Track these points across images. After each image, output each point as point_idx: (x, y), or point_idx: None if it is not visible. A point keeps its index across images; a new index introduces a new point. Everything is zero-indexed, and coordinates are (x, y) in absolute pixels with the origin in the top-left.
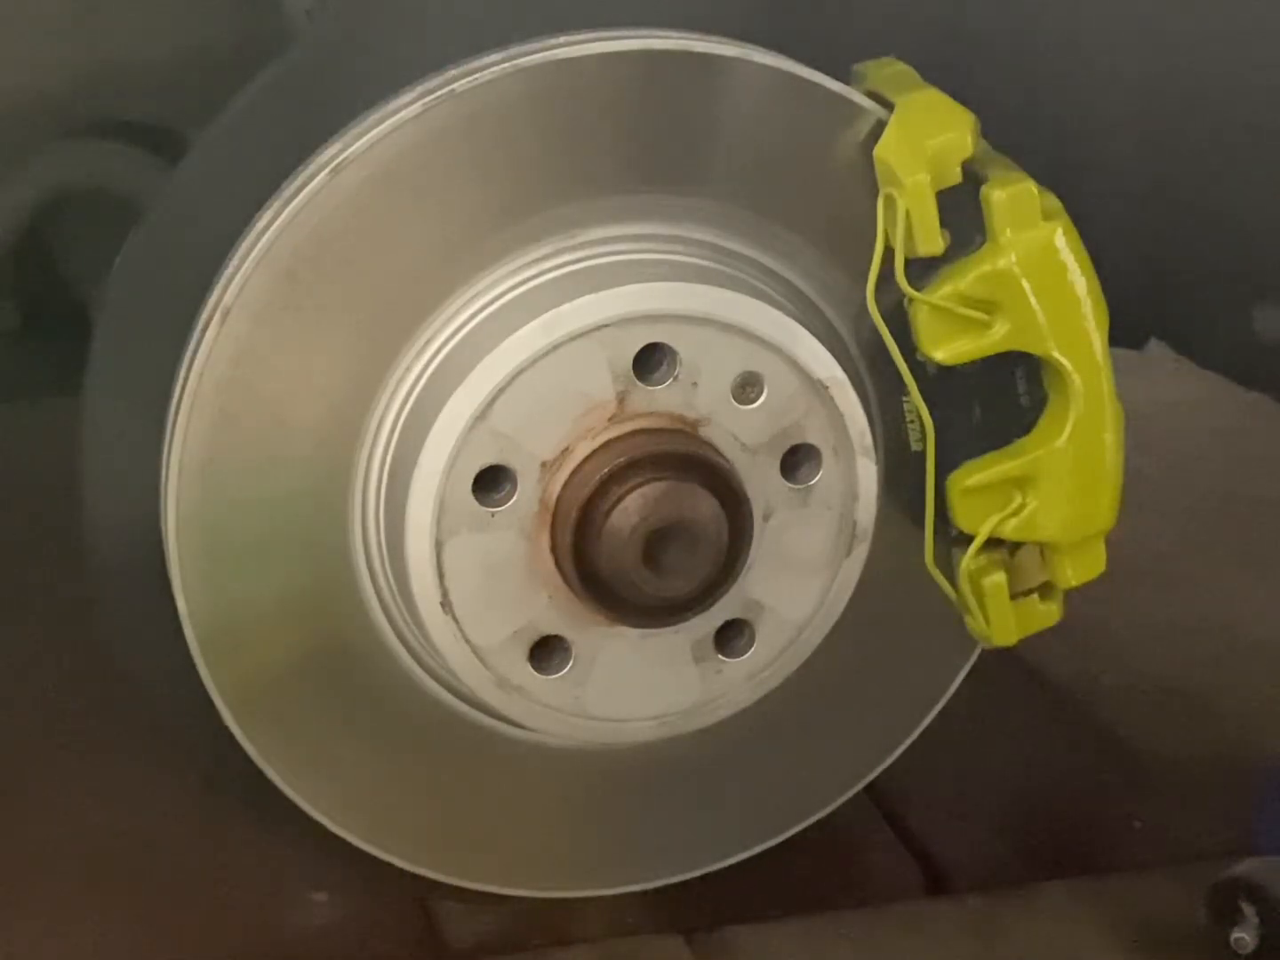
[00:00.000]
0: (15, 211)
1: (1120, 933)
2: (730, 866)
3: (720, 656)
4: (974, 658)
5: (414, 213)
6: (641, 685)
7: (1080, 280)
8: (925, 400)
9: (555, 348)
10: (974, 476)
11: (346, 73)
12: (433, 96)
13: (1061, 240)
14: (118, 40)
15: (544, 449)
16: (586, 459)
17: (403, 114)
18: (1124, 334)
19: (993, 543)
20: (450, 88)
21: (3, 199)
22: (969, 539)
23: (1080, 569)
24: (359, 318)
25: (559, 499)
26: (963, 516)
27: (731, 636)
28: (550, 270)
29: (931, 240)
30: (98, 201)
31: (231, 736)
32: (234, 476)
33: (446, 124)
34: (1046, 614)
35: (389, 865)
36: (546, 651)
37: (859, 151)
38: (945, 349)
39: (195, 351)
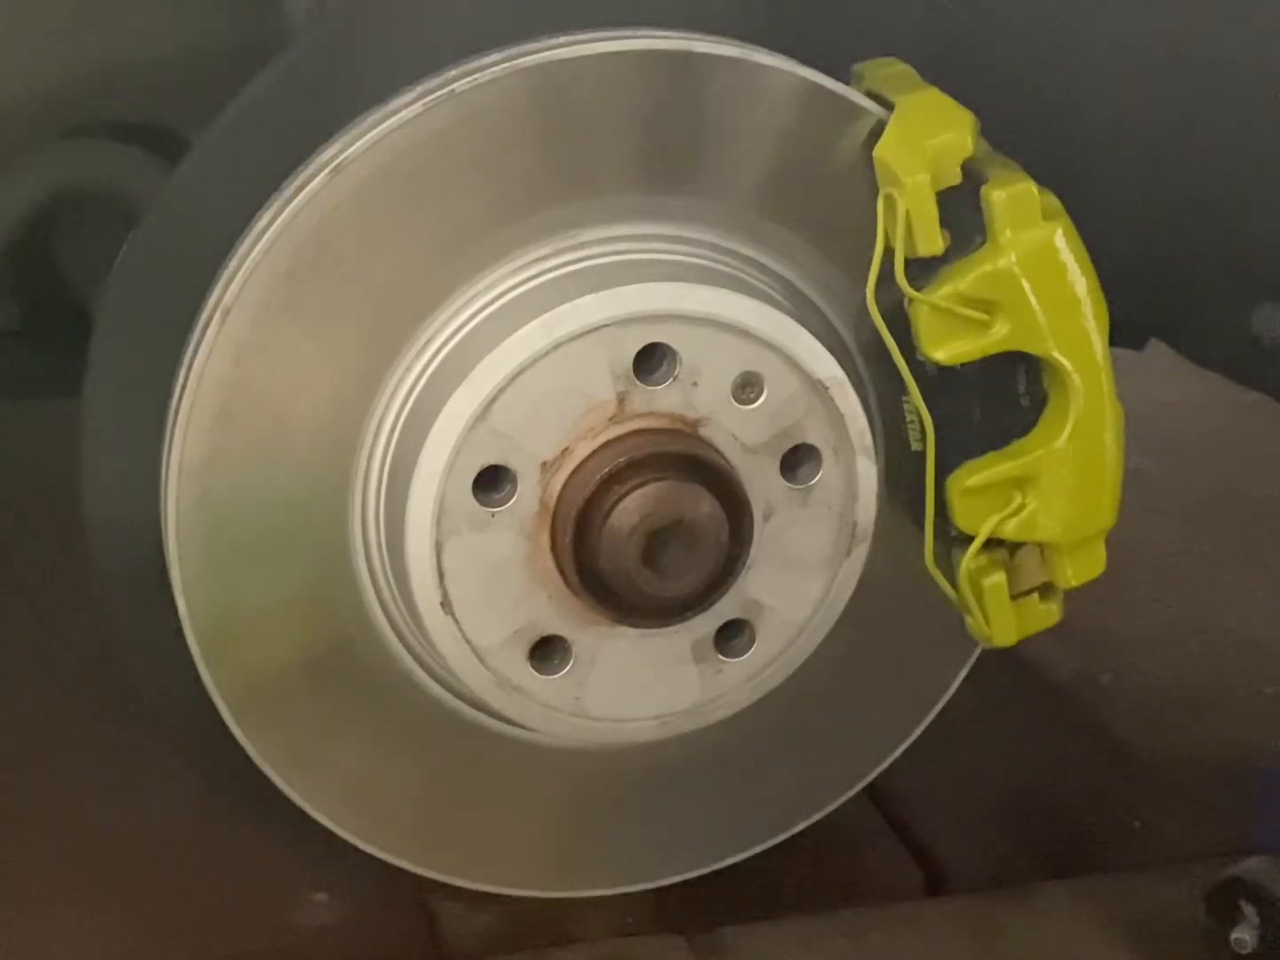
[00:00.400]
0: (15, 211)
1: (1120, 933)
2: (730, 866)
3: (720, 656)
4: (974, 658)
5: (414, 213)
6: (641, 685)
7: (1080, 280)
8: (925, 400)
9: (555, 348)
10: (974, 476)
11: (346, 73)
12: (433, 96)
13: (1061, 240)
14: (117, 40)
15: (544, 449)
16: (587, 459)
17: (403, 114)
18: (1124, 334)
19: (993, 543)
20: (450, 88)
21: (3, 199)
22: (969, 539)
23: (1080, 569)
24: (359, 317)
25: (559, 499)
26: (963, 516)
27: (731, 636)
28: (550, 270)
29: (931, 240)
30: (98, 201)
31: (231, 736)
32: (234, 476)
33: (446, 124)
34: (1046, 614)
35: (389, 865)
36: (546, 651)
37: (859, 151)
38: (945, 349)
39: (195, 351)
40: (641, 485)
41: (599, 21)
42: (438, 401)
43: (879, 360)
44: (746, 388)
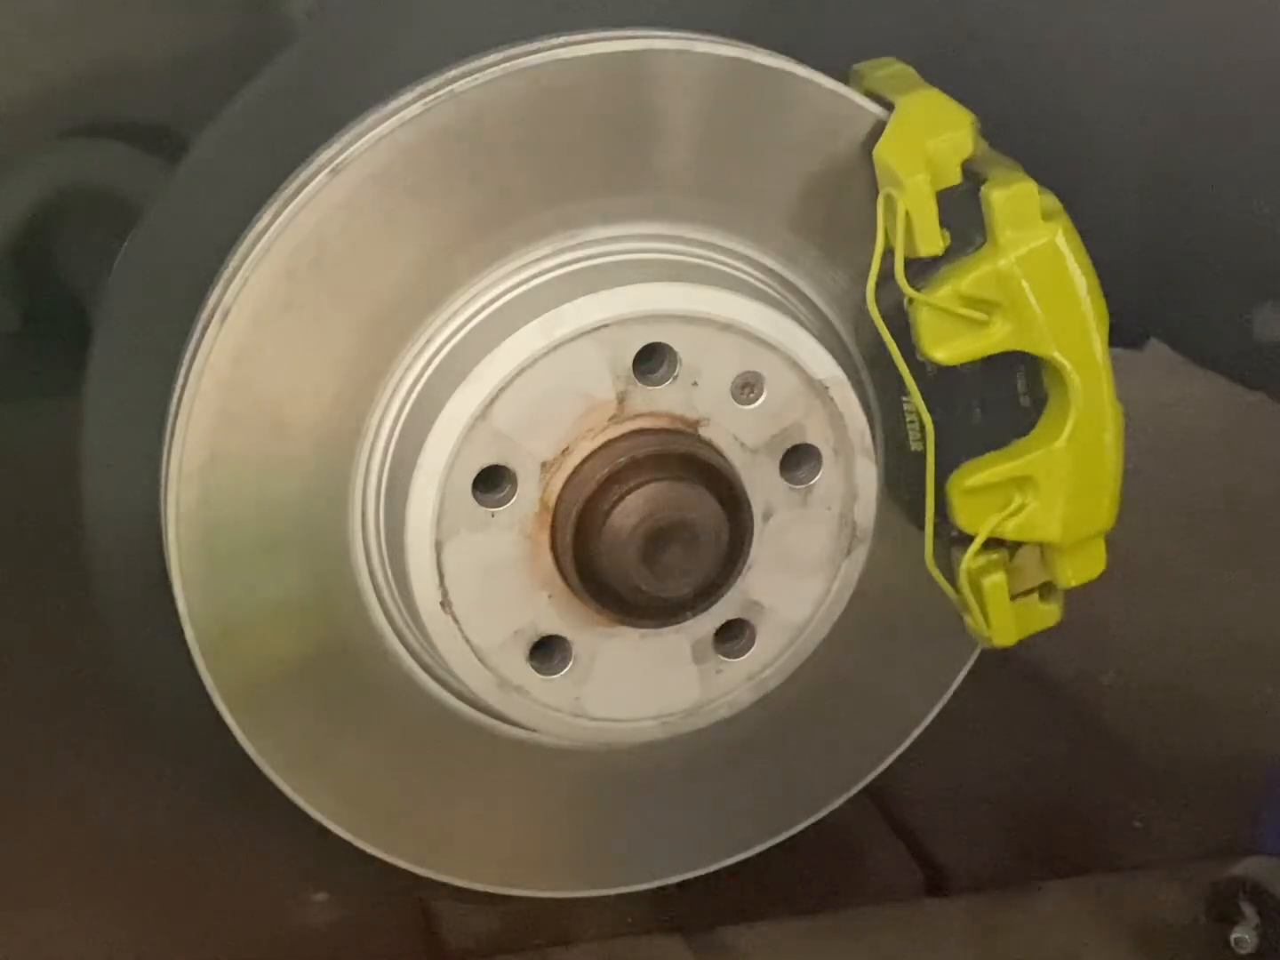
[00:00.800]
0: (15, 211)
1: (1120, 932)
2: (730, 866)
3: (720, 657)
4: (974, 658)
5: (413, 213)
6: (641, 685)
7: (1080, 280)
8: (925, 400)
9: (555, 348)
10: (974, 477)
11: (346, 73)
12: (432, 97)
13: (1061, 240)
14: (118, 40)
15: (544, 449)
16: (587, 459)
17: (402, 114)
18: (1124, 334)
19: (993, 543)
20: (450, 88)
21: (3, 199)
22: (969, 539)
23: (1080, 569)
24: (359, 318)
25: (559, 499)
26: (963, 516)
27: (731, 637)
28: (550, 270)
29: (931, 240)
30: (98, 201)
31: (232, 736)
32: (234, 477)
33: (446, 124)
34: (1046, 614)
35: (389, 865)
36: (546, 652)
37: (859, 151)
38: (945, 349)
39: (195, 351)
40: (642, 485)
41: (600, 21)
42: (438, 401)
43: (879, 360)
44: (746, 388)
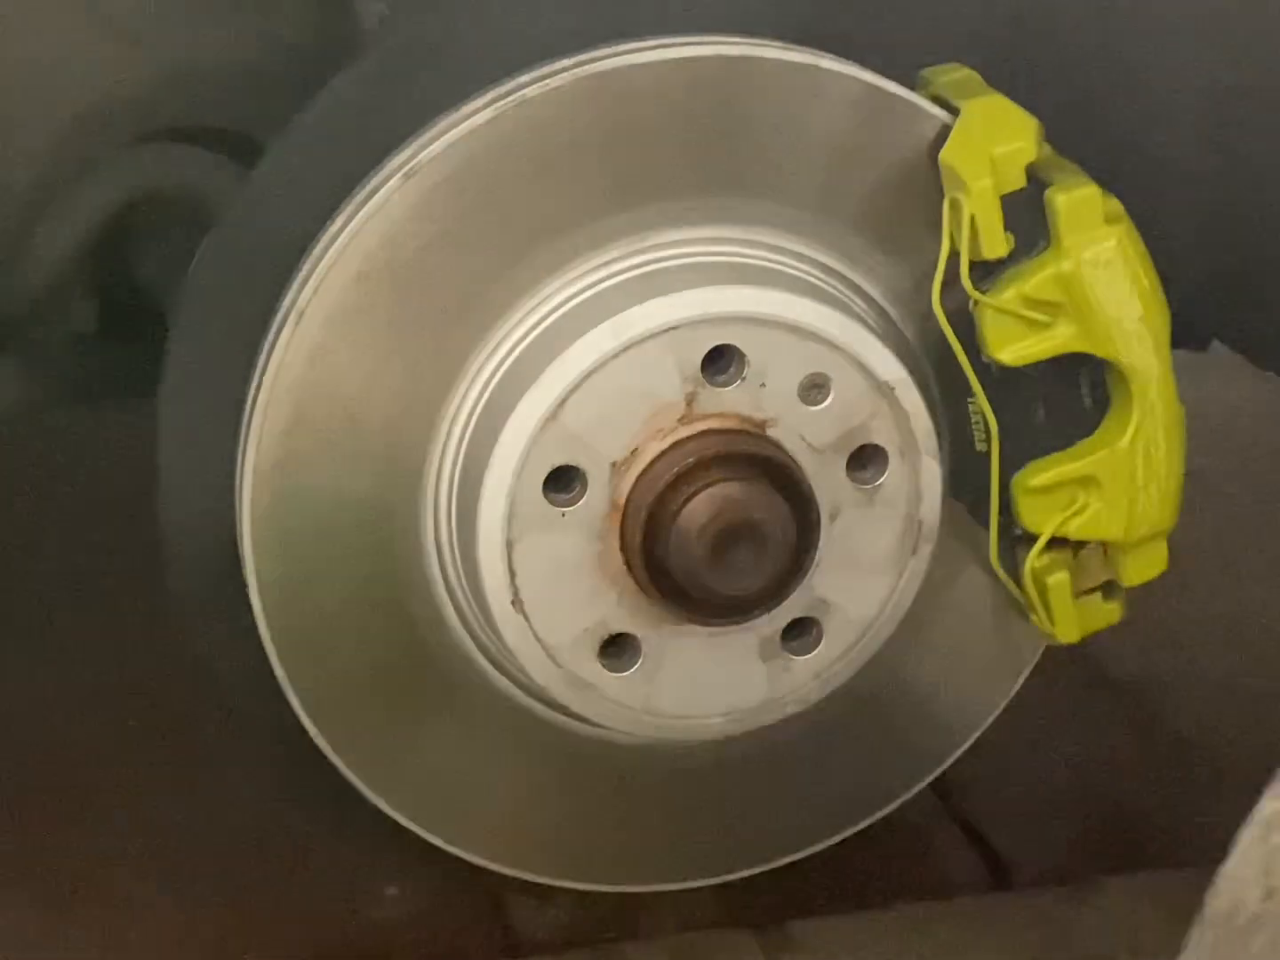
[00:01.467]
0: (94, 215)
1: (1182, 929)
2: (798, 861)
3: (787, 654)
4: (1038, 655)
5: (484, 217)
6: (710, 682)
7: (1142, 283)
8: (990, 401)
9: (625, 350)
10: (1038, 477)
11: (418, 78)
12: (503, 102)
13: (1124, 243)
14: (193, 46)
15: (614, 449)
16: (656, 459)
17: (474, 119)
18: (1186, 335)
19: (1056, 542)
20: (521, 93)
21: (82, 202)
22: (1033, 538)
23: (1142, 568)
24: (431, 320)
25: (628, 499)
26: (1027, 516)
27: (799, 634)
28: (620, 273)
29: (996, 244)
30: (174, 205)
31: (307, 733)
32: (308, 478)
33: (517, 129)
34: (1109, 612)
35: (462, 860)
36: (616, 649)
37: (924, 156)
38: (1010, 351)
39: (269, 353)
40: (710, 485)
41: (669, 27)
42: (509, 402)
43: (943, 362)
44: (813, 389)
